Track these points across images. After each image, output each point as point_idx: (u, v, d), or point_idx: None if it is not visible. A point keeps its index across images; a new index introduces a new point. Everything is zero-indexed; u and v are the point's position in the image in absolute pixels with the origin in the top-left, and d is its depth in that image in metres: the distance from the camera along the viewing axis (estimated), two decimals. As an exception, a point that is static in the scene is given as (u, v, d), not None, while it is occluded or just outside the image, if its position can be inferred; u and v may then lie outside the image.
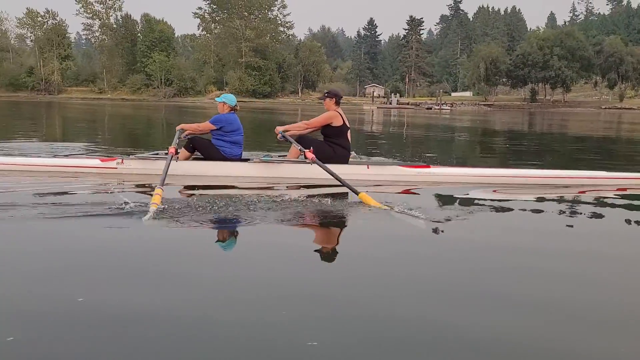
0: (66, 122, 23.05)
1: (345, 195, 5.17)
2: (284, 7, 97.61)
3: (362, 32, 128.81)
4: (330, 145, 6.11)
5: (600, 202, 5.40)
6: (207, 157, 6.26)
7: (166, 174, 5.01)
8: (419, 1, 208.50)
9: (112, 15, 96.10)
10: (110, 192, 5.13)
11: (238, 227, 4.04)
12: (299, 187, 5.77)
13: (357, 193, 4.71)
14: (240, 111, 6.58)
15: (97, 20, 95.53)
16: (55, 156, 7.77)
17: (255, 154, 6.84)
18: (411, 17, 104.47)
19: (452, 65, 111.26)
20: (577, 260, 3.38)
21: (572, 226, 4.43)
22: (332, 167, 5.45)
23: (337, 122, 6.14)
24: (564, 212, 4.98)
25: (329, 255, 3.47)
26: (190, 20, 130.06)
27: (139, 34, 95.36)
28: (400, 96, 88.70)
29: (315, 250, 3.53)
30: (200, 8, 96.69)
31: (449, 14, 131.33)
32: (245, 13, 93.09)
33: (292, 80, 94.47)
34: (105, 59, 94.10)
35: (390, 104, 76.85)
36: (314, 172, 5.64)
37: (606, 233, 4.20)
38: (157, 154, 6.30)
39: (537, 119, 38.42)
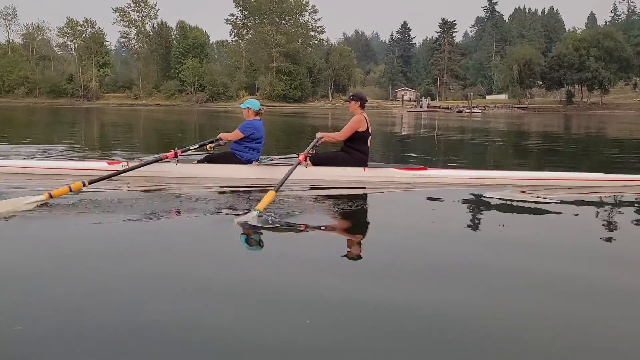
0: (98, 127, 23.85)
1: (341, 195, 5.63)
2: (315, 12, 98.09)
3: (396, 36, 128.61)
4: (348, 152, 6.26)
5: (598, 203, 5.56)
6: (219, 159, 6.53)
7: (118, 175, 5.56)
8: (456, 3, 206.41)
9: (147, 23, 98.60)
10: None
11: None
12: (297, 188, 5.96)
13: (275, 191, 4.75)
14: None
15: (134, 28, 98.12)
16: (66, 159, 8.11)
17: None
18: (443, 19, 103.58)
19: (486, 68, 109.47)
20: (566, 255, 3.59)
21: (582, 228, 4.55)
22: (333, 169, 6.11)
23: (362, 127, 6.21)
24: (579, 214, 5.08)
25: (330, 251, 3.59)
26: (225, 26, 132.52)
27: (173, 41, 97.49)
28: (432, 99, 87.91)
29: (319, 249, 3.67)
30: (232, 14, 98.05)
31: (484, 16, 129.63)
32: (277, 18, 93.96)
33: (323, 84, 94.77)
34: (141, 66, 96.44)
35: (421, 107, 76.26)
36: (308, 173, 6.03)
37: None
38: (159, 157, 6.46)
39: (572, 122, 37.64)
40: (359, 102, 6.27)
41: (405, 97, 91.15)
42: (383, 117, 39.34)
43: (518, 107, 79.15)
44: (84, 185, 4.88)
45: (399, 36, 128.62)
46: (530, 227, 4.46)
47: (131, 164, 6.20)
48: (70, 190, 4.63)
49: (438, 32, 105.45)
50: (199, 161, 6.51)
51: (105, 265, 3.13)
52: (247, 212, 4.18)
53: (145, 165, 6.04)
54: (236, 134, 6.41)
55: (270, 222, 4.07)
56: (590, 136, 21.68)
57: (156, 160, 6.15)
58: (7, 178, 6.18)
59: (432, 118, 44.38)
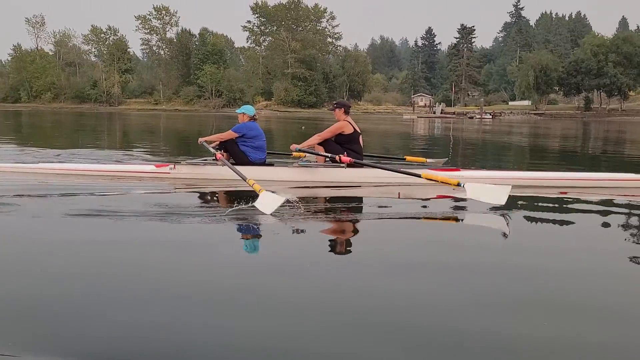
0: (113, 131, 24.81)
1: (382, 190, 6.02)
2: (333, 18, 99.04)
3: (421, 42, 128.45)
4: (345, 151, 6.60)
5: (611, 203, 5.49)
6: (236, 161, 6.78)
7: (237, 170, 5.77)
8: (485, 8, 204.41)
9: (168, 30, 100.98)
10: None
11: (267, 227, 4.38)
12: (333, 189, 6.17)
13: (419, 175, 5.41)
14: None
15: (155, 35, 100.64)
16: (117, 163, 8.65)
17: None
18: (462, 25, 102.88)
19: (509, 74, 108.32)
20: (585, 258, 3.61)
21: (607, 225, 4.55)
22: (373, 171, 6.29)
23: (348, 130, 6.65)
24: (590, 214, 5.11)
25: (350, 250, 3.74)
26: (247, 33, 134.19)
27: (193, 47, 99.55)
28: (446, 105, 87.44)
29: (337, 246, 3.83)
30: (249, 21, 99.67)
31: (510, 21, 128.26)
32: (293, 25, 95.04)
33: (339, 90, 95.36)
34: (162, 72, 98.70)
35: (434, 113, 76.02)
36: (348, 175, 6.35)
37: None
38: (205, 159, 6.89)
39: (589, 129, 36.70)
40: (343, 109, 6.76)
41: (421, 103, 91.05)
42: (387, 125, 38.83)
43: (534, 113, 77.97)
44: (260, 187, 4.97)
45: (424, 42, 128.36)
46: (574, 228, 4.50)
47: (179, 167, 6.64)
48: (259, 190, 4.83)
49: (457, 38, 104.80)
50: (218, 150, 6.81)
51: (147, 258, 3.40)
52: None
53: (234, 169, 5.97)
54: (229, 134, 6.75)
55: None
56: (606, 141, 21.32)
57: (235, 165, 6.21)
58: (72, 180, 6.63)
59: (442, 124, 44.39)
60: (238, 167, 6.16)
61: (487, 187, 4.79)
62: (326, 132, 6.69)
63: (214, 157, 6.52)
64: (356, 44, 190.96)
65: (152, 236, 3.94)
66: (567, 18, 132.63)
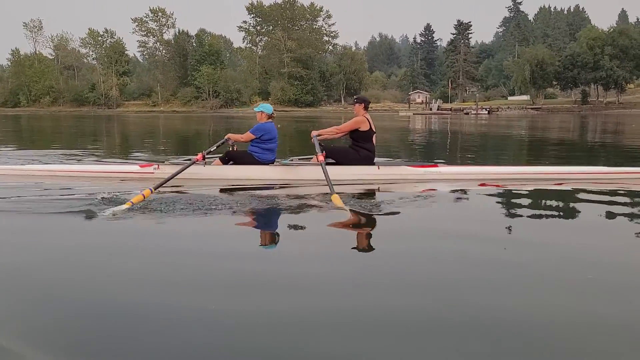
0: (111, 132, 24.94)
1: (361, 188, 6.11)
2: (329, 17, 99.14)
3: (419, 39, 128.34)
4: (355, 149, 6.65)
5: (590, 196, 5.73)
6: (236, 161, 6.81)
7: (173, 178, 5.69)
8: (486, 4, 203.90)
9: (165, 32, 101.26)
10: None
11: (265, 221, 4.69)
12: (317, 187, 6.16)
13: (331, 193, 5.17)
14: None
15: (152, 37, 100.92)
16: (100, 163, 8.63)
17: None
18: (459, 21, 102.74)
19: (505, 69, 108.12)
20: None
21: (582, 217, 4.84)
22: (348, 168, 6.43)
23: (365, 127, 6.62)
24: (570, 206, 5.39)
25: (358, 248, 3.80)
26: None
27: (190, 49, 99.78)
28: (444, 102, 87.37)
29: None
30: (245, 22, 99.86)
31: (509, 16, 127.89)
32: (289, 25, 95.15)
33: (335, 88, 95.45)
34: (159, 74, 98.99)
35: (431, 109, 75.97)
36: (329, 173, 6.23)
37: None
38: (190, 159, 6.69)
39: (583, 122, 36.61)
40: (363, 104, 6.72)
41: (418, 100, 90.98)
42: (377, 122, 38.61)
43: (531, 108, 77.86)
44: (151, 192, 5.13)
45: (423, 39, 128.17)
46: (549, 221, 4.68)
47: (162, 167, 6.62)
48: (144, 198, 4.93)
49: (453, 34, 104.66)
50: (221, 159, 6.81)
51: (142, 257, 3.50)
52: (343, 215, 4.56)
53: (185, 168, 6.14)
54: (247, 136, 6.73)
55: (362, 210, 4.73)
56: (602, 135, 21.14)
57: (191, 164, 6.32)
58: (52, 181, 6.55)
59: (435, 120, 44.49)
60: (219, 167, 6.62)
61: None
62: (344, 127, 6.72)
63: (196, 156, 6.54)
64: (356, 42, 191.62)
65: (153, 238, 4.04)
66: (565, 12, 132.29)
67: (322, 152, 6.20)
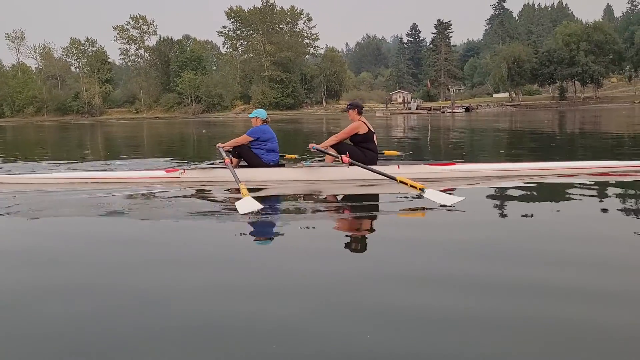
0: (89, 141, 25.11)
1: (381, 187, 6.28)
2: (309, 19, 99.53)
3: (406, 39, 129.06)
4: (361, 150, 6.86)
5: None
6: (249, 163, 7.17)
7: (235, 174, 6.09)
8: (475, 1, 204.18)
9: (147, 39, 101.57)
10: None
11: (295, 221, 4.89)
12: (341, 187, 6.58)
13: (395, 179, 5.55)
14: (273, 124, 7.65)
15: (133, 44, 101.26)
16: (128, 170, 8.88)
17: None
18: (439, 20, 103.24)
19: (483, 66, 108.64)
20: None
21: (606, 211, 4.88)
22: (370, 167, 6.50)
23: (363, 130, 6.88)
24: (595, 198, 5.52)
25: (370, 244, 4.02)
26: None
27: (172, 55, 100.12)
28: (424, 101, 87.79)
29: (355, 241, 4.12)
30: (224, 27, 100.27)
31: (494, 14, 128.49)
32: (268, 28, 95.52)
33: (316, 90, 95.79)
34: (142, 81, 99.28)
35: (409, 109, 76.30)
36: (350, 173, 6.63)
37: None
38: (212, 163, 7.27)
39: (557, 118, 36.90)
40: (356, 110, 7.01)
41: (399, 100, 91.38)
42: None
43: (510, 105, 78.27)
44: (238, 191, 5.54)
45: (410, 39, 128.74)
46: (563, 215, 4.78)
47: (189, 172, 7.02)
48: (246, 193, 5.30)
49: (434, 33, 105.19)
50: (233, 155, 7.12)
51: (158, 253, 3.79)
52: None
53: (233, 172, 6.31)
54: (244, 138, 7.07)
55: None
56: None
57: (222, 167, 6.85)
58: (85, 188, 6.85)
59: (414, 119, 44.83)
60: (241, 170, 6.83)
61: (443, 196, 5.12)
62: (342, 134, 6.92)
63: (223, 161, 6.84)
64: (347, 43, 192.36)
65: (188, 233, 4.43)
66: (549, 9, 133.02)
67: (346, 153, 6.55)
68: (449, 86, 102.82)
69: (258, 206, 4.92)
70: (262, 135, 7.04)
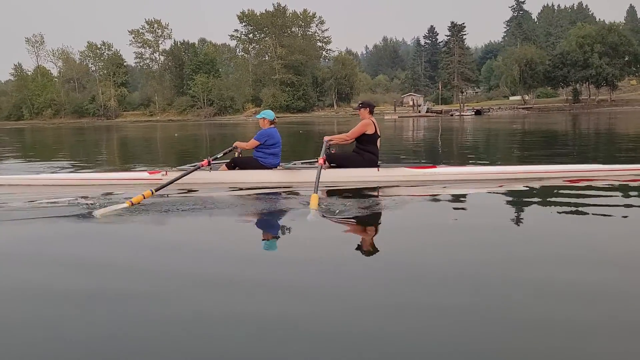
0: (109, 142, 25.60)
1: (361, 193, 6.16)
2: (322, 22, 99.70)
3: (423, 41, 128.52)
4: (359, 152, 6.90)
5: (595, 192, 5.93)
6: (246, 165, 7.16)
7: (175, 182, 6.14)
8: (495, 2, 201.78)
9: (161, 43, 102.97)
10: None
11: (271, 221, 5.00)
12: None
13: (314, 191, 5.32)
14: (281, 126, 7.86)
15: (148, 48, 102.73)
16: (108, 171, 8.91)
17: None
18: (452, 23, 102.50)
19: (495, 69, 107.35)
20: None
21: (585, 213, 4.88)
22: (349, 170, 6.74)
23: (370, 131, 6.85)
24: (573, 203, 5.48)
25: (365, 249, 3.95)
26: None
27: (186, 59, 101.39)
28: (435, 104, 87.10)
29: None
30: (236, 30, 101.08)
31: (513, 15, 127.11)
32: (280, 32, 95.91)
33: (327, 94, 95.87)
34: (156, 84, 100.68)
35: (419, 112, 75.80)
36: (329, 175, 6.62)
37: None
38: (195, 165, 7.01)
39: (568, 121, 36.48)
40: (367, 109, 7.00)
41: (410, 103, 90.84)
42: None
43: (522, 108, 77.33)
44: (152, 194, 5.49)
45: (427, 41, 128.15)
46: (545, 218, 4.81)
47: (171, 173, 6.87)
48: (144, 198, 5.29)
49: (447, 36, 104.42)
50: (226, 165, 7.19)
51: (154, 258, 3.71)
52: (308, 213, 4.77)
53: (189, 173, 6.52)
54: (252, 143, 7.08)
55: (327, 215, 4.81)
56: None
57: (195, 169, 6.73)
58: (65, 190, 6.73)
59: (423, 122, 44.64)
60: (224, 172, 7.02)
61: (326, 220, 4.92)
62: (353, 133, 6.89)
63: (197, 165, 6.90)
64: (366, 45, 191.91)
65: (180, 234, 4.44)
66: (569, 10, 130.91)
67: (323, 156, 6.56)
68: (462, 89, 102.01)
69: (119, 207, 5.00)
70: (269, 140, 7.03)
